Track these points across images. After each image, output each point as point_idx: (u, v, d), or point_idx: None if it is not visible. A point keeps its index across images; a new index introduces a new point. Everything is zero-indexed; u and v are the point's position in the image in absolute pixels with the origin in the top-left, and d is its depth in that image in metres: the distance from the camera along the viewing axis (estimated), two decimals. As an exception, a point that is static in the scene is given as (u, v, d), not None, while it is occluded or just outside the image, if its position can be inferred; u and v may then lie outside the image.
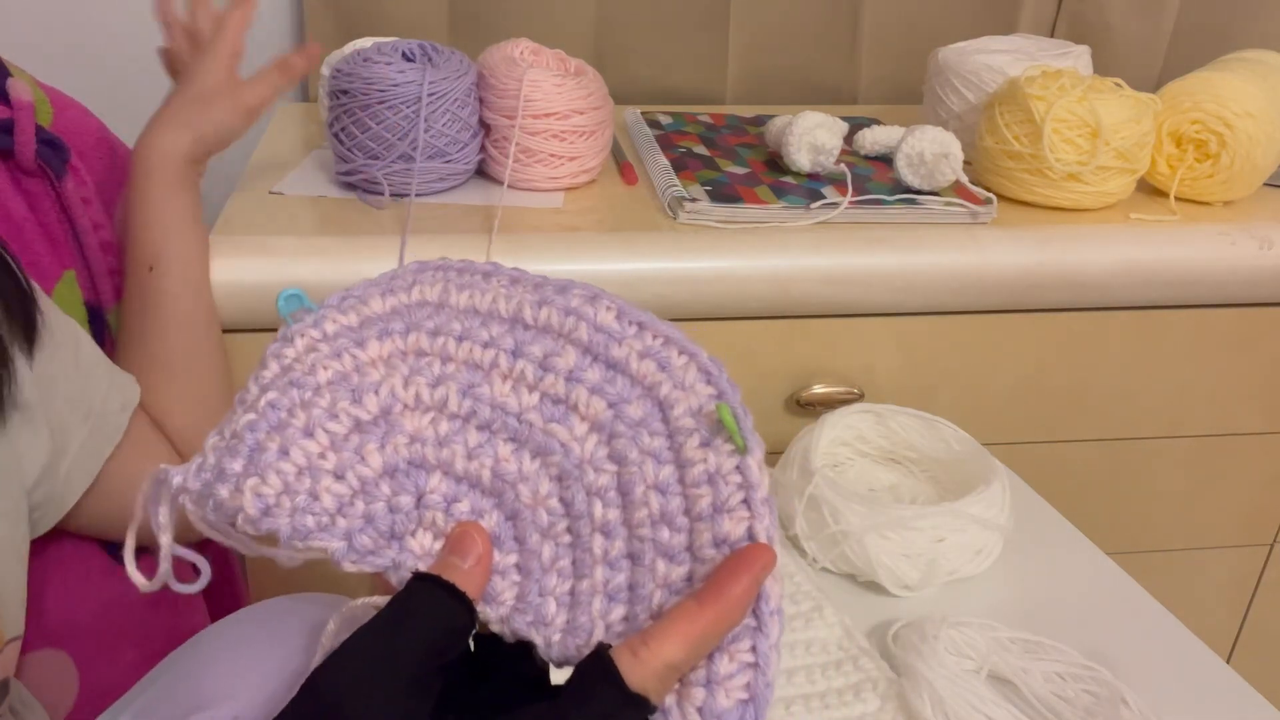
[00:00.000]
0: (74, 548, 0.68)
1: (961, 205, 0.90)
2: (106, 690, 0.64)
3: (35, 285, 0.57)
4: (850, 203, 0.89)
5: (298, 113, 1.15)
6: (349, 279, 0.78)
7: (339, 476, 0.38)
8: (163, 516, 0.38)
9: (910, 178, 0.92)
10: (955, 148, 0.90)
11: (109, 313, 0.76)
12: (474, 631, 0.36)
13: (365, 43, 0.97)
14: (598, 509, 0.38)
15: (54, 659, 0.67)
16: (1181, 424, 1.02)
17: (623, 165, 0.99)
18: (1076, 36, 1.27)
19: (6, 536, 0.54)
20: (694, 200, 0.88)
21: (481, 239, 0.82)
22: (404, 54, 0.89)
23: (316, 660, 0.37)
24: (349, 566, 0.37)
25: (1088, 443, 1.01)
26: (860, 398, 0.92)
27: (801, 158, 0.93)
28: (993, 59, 1.01)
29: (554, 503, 0.39)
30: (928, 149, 0.90)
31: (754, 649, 0.35)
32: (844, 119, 0.96)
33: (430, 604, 0.35)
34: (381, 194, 0.87)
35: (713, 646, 0.35)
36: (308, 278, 0.79)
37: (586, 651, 0.35)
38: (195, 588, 0.39)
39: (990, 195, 0.91)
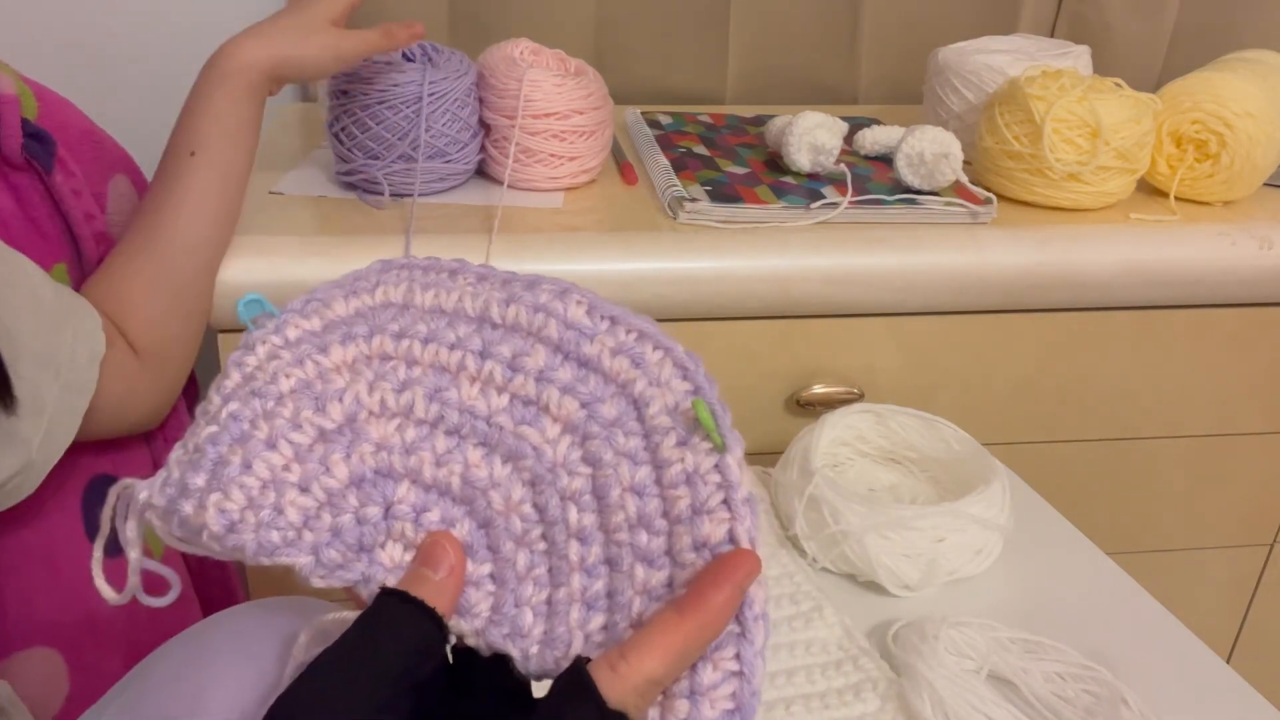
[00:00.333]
0: (63, 545, 0.68)
1: (961, 205, 0.90)
2: (97, 688, 0.64)
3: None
4: (850, 203, 0.89)
5: (298, 113, 1.15)
6: (349, 279, 0.78)
7: (304, 489, 0.37)
8: (130, 531, 0.37)
9: (910, 178, 0.92)
10: (955, 148, 0.90)
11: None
12: (450, 645, 0.36)
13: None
14: (573, 514, 0.37)
15: (44, 657, 0.67)
16: (1182, 424, 1.02)
17: (623, 165, 0.99)
18: (1076, 36, 1.27)
19: None
20: (694, 200, 0.88)
21: (481, 239, 0.82)
22: (404, 54, 0.89)
23: (287, 673, 0.37)
24: (318, 582, 0.36)
25: (1088, 443, 1.01)
26: (860, 398, 0.92)
27: (801, 158, 0.93)
28: (993, 59, 1.01)
29: (527, 509, 0.38)
30: (928, 149, 0.90)
31: (738, 656, 0.34)
32: (844, 119, 0.96)
33: (398, 621, 0.34)
34: (381, 194, 0.87)
35: (695, 658, 0.33)
36: (308, 278, 0.79)
37: (565, 664, 0.34)
38: (163, 602, 0.39)
39: (990, 195, 0.91)
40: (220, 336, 0.80)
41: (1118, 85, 0.93)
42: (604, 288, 0.82)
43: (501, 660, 0.37)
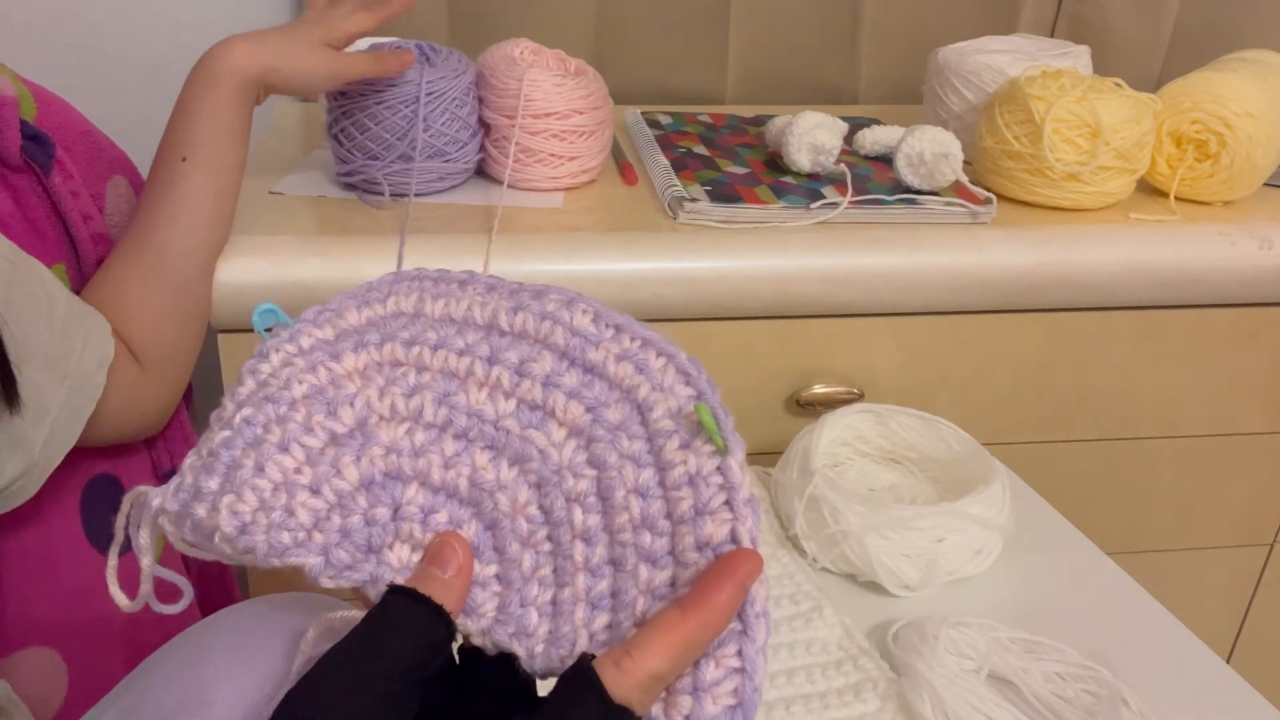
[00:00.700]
0: (62, 544, 0.68)
1: (961, 205, 0.90)
2: (96, 687, 0.65)
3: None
4: (850, 203, 0.89)
5: (297, 113, 1.15)
6: (349, 279, 0.79)
7: (315, 491, 0.37)
8: (143, 539, 0.38)
9: (910, 178, 0.92)
10: (955, 148, 0.90)
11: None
12: (455, 644, 0.36)
13: (364, 43, 0.97)
14: (578, 515, 0.38)
15: (43, 657, 0.67)
16: (1181, 424, 1.02)
17: (623, 165, 0.99)
18: (1076, 36, 1.27)
19: None
20: (694, 200, 0.88)
21: (481, 239, 0.82)
22: (404, 54, 0.89)
23: (295, 669, 0.37)
24: (326, 582, 0.37)
25: (1088, 443, 1.01)
26: (860, 398, 0.92)
27: (801, 158, 0.93)
28: (993, 59, 1.01)
29: (533, 510, 0.38)
30: (928, 149, 0.90)
31: (740, 653, 0.34)
32: (844, 119, 0.96)
33: (406, 618, 0.34)
34: (381, 194, 0.87)
35: (698, 655, 0.34)
36: (308, 278, 0.79)
37: (570, 662, 0.35)
38: (177, 609, 0.39)
39: (990, 195, 0.91)
40: (221, 336, 0.80)
41: (1118, 85, 0.93)
42: (604, 288, 0.82)
43: (506, 659, 0.37)
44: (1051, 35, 1.31)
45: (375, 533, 0.38)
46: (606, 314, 0.40)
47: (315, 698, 0.32)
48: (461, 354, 0.40)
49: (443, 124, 0.86)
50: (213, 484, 0.37)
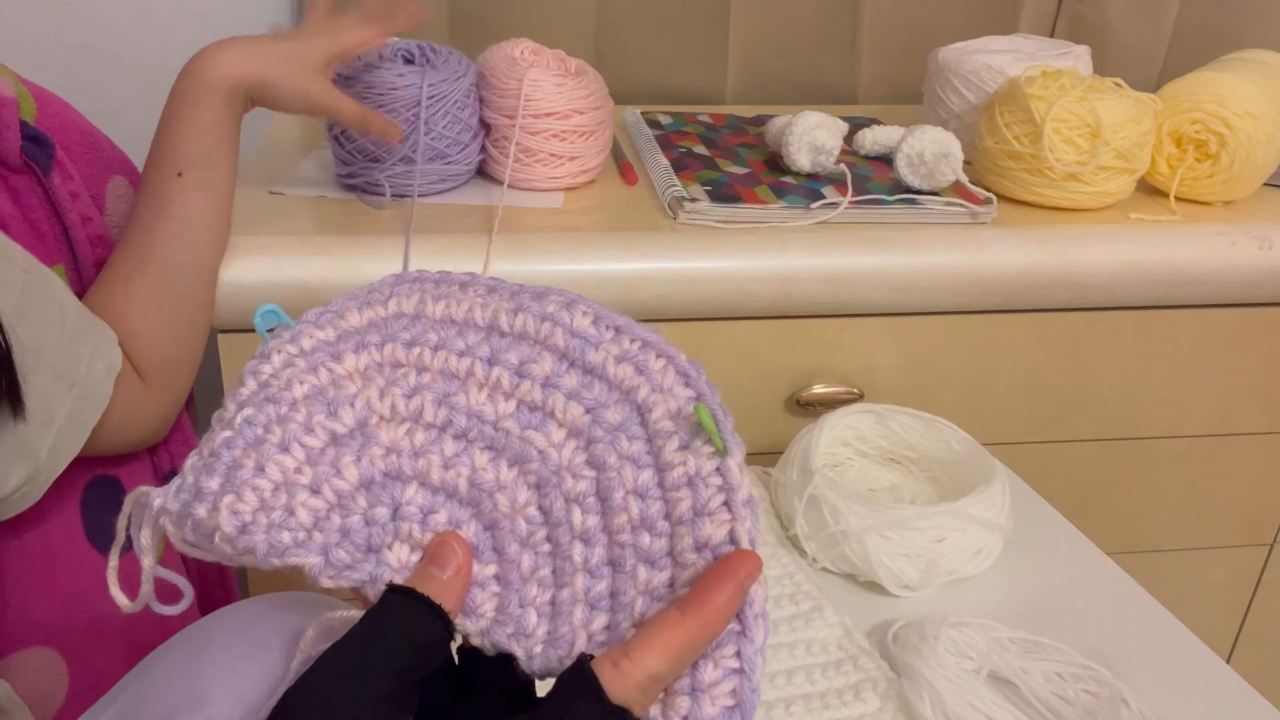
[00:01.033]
0: (62, 545, 0.68)
1: (961, 205, 0.90)
2: (96, 686, 0.65)
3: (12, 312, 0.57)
4: (850, 203, 0.89)
5: (298, 113, 1.15)
6: (350, 279, 0.79)
7: (315, 491, 0.37)
8: (145, 539, 0.38)
9: (910, 178, 0.92)
10: (955, 148, 0.90)
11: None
12: (454, 644, 0.36)
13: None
14: (577, 516, 0.38)
15: (43, 656, 0.67)
16: (1181, 424, 1.02)
17: (623, 165, 0.99)
18: (1076, 36, 1.27)
19: None
20: (694, 200, 0.88)
21: (481, 239, 0.82)
22: (403, 56, 0.89)
23: (293, 668, 0.37)
24: (326, 582, 0.37)
25: (1088, 443, 1.01)
26: (860, 398, 0.92)
27: (801, 158, 0.93)
28: (993, 59, 1.01)
29: (532, 511, 0.39)
30: (928, 149, 0.90)
31: (739, 654, 0.34)
32: (844, 119, 0.96)
33: (404, 618, 0.34)
34: (382, 194, 0.87)
35: (696, 656, 0.34)
36: (308, 278, 0.79)
37: (569, 662, 0.35)
38: (177, 609, 0.39)
39: (990, 195, 0.91)
40: (221, 337, 0.80)
41: (1118, 85, 0.93)
42: (604, 288, 0.82)
43: (506, 659, 0.37)
44: (1051, 35, 1.31)
45: (375, 533, 0.38)
46: (607, 315, 0.40)
47: (312, 698, 0.32)
48: (462, 355, 0.40)
49: (444, 127, 0.86)
50: (213, 484, 0.37)
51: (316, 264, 0.79)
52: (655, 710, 0.34)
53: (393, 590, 0.35)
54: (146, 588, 0.38)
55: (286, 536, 0.36)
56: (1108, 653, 0.63)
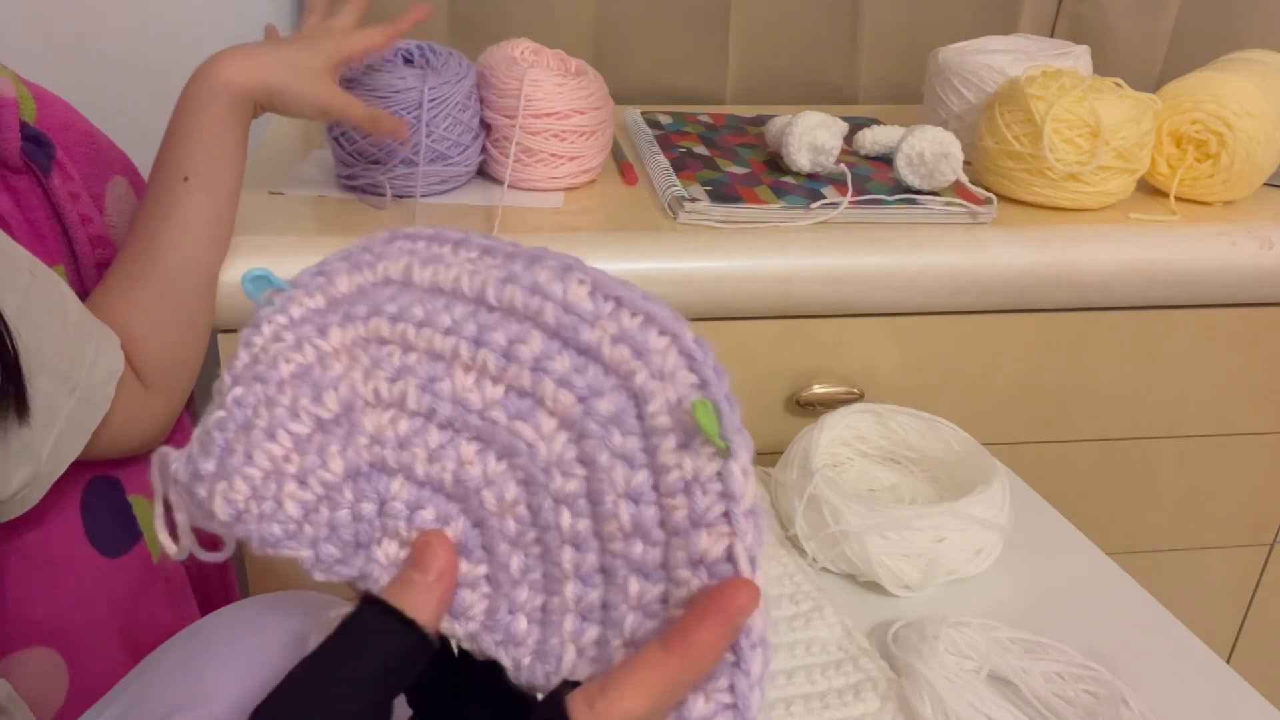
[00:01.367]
0: (63, 545, 0.68)
1: (961, 205, 0.90)
2: (96, 687, 0.65)
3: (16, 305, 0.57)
4: (850, 203, 0.89)
5: (298, 113, 1.15)
6: (349, 279, 0.78)
7: (302, 482, 0.36)
8: (175, 495, 0.37)
9: (910, 178, 0.92)
10: (955, 148, 0.90)
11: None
12: (435, 650, 0.35)
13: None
14: (566, 519, 0.35)
15: (43, 657, 0.67)
16: (1181, 424, 1.02)
17: (623, 165, 0.99)
18: (1076, 36, 1.27)
19: None
20: (694, 200, 0.88)
21: (481, 239, 0.82)
22: (404, 57, 0.89)
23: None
24: (319, 577, 0.36)
25: (1088, 443, 1.01)
26: (860, 398, 0.92)
27: (801, 158, 0.93)
28: (993, 59, 1.01)
29: (521, 510, 0.36)
30: (928, 149, 0.90)
31: (732, 688, 0.31)
32: (844, 119, 0.96)
33: (377, 633, 0.33)
34: (383, 194, 0.87)
35: (681, 697, 0.32)
36: (308, 278, 0.79)
37: (555, 679, 0.33)
38: (220, 556, 0.39)
39: (990, 195, 0.91)
40: (221, 336, 0.80)
41: (1118, 85, 0.93)
42: (604, 288, 0.82)
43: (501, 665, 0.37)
44: (1051, 35, 1.31)
45: (362, 528, 0.37)
46: (606, 284, 0.36)
47: (283, 711, 0.32)
48: (447, 333, 0.37)
49: (445, 129, 0.86)
50: (209, 466, 0.36)
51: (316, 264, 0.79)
52: None
53: (368, 601, 0.34)
54: (186, 539, 0.38)
55: (277, 529, 0.36)
56: (1108, 653, 0.63)
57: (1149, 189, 1.00)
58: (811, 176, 0.96)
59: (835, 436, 0.80)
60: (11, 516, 0.60)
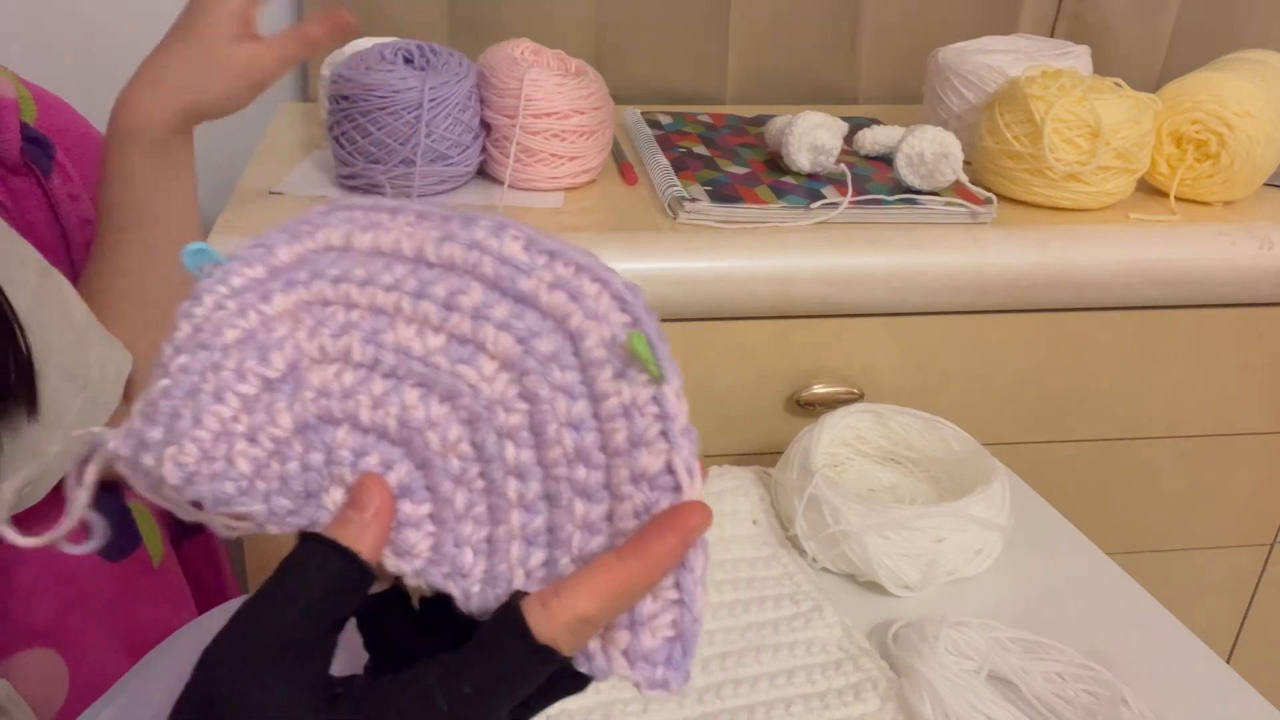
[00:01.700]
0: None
1: (961, 205, 0.90)
2: (97, 687, 0.65)
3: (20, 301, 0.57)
4: (850, 203, 0.89)
5: (298, 112, 1.15)
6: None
7: (252, 440, 0.37)
8: (89, 475, 0.37)
9: (910, 178, 0.92)
10: (955, 148, 0.90)
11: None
12: (372, 579, 0.36)
13: (365, 43, 0.97)
14: (510, 451, 0.37)
15: (43, 658, 0.67)
16: (1182, 424, 1.02)
17: (623, 165, 0.99)
18: (1076, 36, 1.27)
19: None
20: (694, 200, 0.88)
21: (481, 239, 0.82)
22: (404, 58, 0.89)
23: None
24: (273, 529, 0.37)
25: (1088, 443, 1.01)
26: (860, 398, 0.92)
27: (801, 158, 0.93)
28: (993, 59, 1.01)
29: (465, 447, 0.37)
30: (928, 149, 0.90)
31: (678, 585, 0.34)
32: (844, 119, 0.96)
33: (313, 563, 0.34)
34: (383, 194, 0.87)
35: (632, 602, 0.34)
36: (308, 278, 0.79)
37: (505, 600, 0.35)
38: (79, 550, 0.39)
39: (990, 195, 0.91)
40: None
41: (1118, 85, 0.93)
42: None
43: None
44: (1051, 35, 1.31)
45: (311, 478, 0.38)
46: (539, 240, 0.39)
47: (225, 650, 0.32)
48: (389, 290, 0.39)
49: (445, 129, 0.86)
50: (156, 434, 0.36)
51: (316, 264, 0.79)
52: (594, 644, 0.34)
53: (305, 538, 0.35)
54: (65, 523, 0.38)
55: (229, 486, 0.36)
56: (1108, 653, 0.63)
57: (1149, 189, 1.00)
58: (811, 176, 0.96)
59: (835, 436, 0.80)
60: (13, 514, 0.60)
